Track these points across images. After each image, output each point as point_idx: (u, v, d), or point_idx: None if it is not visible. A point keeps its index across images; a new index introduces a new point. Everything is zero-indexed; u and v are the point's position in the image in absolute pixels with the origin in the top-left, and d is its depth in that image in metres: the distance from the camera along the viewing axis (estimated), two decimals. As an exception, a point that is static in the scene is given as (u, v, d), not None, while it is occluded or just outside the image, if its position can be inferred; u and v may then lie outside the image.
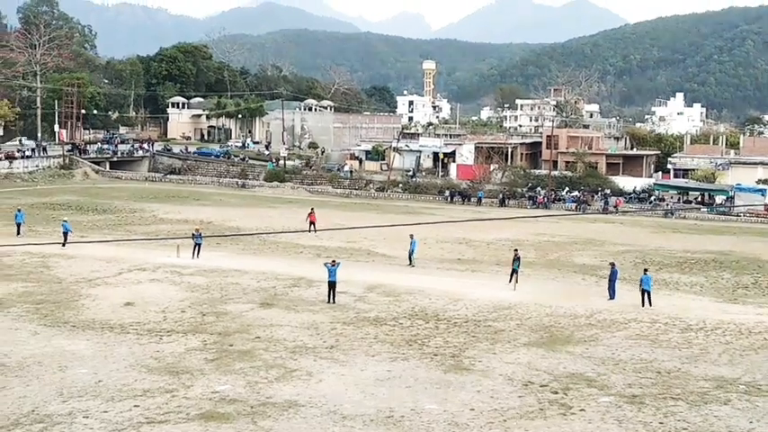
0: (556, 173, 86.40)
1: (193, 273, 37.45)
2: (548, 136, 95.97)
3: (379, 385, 22.37)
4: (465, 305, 32.51)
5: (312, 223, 51.93)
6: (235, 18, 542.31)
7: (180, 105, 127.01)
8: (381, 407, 20.56)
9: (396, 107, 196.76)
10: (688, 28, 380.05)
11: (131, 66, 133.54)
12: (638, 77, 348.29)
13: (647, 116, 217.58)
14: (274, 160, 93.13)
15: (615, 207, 75.07)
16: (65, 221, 45.18)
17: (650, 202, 77.62)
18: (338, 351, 25.51)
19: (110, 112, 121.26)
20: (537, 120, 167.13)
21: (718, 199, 77.59)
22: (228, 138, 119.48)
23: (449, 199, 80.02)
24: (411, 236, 41.73)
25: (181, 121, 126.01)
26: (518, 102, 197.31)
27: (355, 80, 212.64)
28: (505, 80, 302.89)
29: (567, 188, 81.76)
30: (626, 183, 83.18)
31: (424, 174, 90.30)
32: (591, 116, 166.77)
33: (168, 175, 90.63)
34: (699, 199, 79.15)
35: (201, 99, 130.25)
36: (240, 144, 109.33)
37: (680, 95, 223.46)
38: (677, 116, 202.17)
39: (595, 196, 79.22)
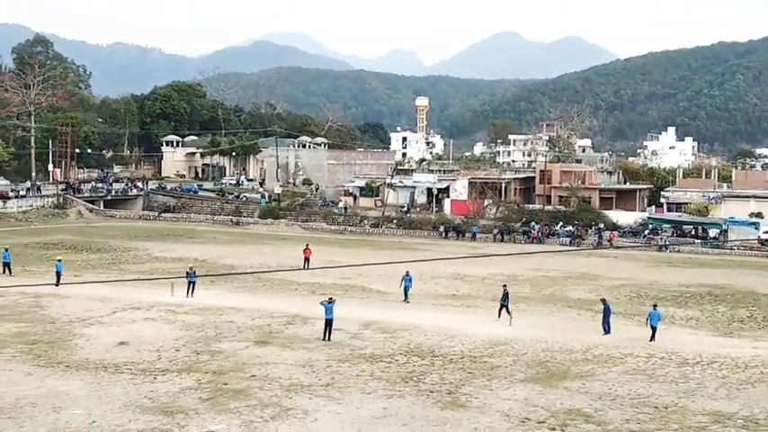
0: (549, 207, 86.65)
1: (188, 311, 37.30)
2: (541, 171, 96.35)
3: (376, 423, 22.22)
4: (461, 341, 32.39)
5: (307, 259, 52.02)
6: (228, 57, 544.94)
7: (174, 144, 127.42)
8: (378, 445, 20.39)
9: (389, 143, 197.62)
10: (678, 63, 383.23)
11: (125, 105, 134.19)
12: (629, 112, 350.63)
13: (639, 150, 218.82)
14: (266, 196, 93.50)
15: (609, 241, 75.14)
16: (59, 261, 45.03)
17: (644, 236, 77.74)
18: (334, 389, 25.35)
19: (104, 151, 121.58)
20: (530, 155, 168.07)
21: (712, 232, 77.75)
22: (223, 175, 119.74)
23: (443, 234, 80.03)
24: (407, 272, 41.72)
25: (175, 159, 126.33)
26: (511, 137, 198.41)
27: (349, 117, 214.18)
28: (498, 116, 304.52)
29: (560, 223, 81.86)
30: (619, 217, 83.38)
31: (418, 209, 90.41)
32: (583, 151, 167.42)
33: (163, 214, 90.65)
34: (692, 232, 79.28)
35: (195, 137, 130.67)
36: (234, 181, 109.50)
37: (671, 129, 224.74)
38: (669, 150, 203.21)
39: (589, 230, 79.32)
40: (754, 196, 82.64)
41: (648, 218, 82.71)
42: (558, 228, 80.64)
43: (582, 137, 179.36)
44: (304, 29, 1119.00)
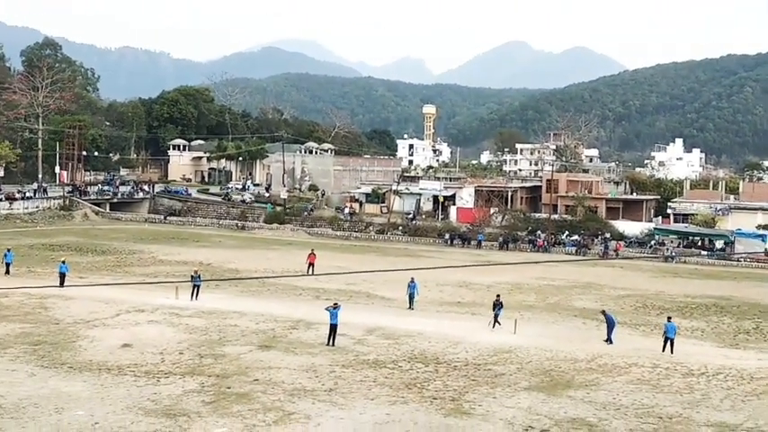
0: (556, 216, 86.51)
1: (192, 314, 37.27)
2: (547, 180, 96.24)
3: (378, 429, 22.16)
4: (465, 348, 32.30)
5: (311, 265, 52.00)
6: (236, 62, 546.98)
7: (181, 148, 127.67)
8: (380, 451, 20.31)
9: (396, 150, 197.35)
10: (686, 74, 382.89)
11: (133, 108, 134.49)
12: (637, 123, 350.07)
13: (646, 161, 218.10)
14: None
15: (615, 251, 74.98)
16: (62, 262, 45.04)
17: (650, 247, 77.53)
18: (337, 394, 25.28)
19: (111, 154, 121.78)
20: (537, 164, 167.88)
21: (719, 244, 77.56)
22: (229, 180, 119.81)
23: (449, 242, 79.93)
24: (412, 279, 41.65)
25: (182, 163, 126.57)
26: (518, 146, 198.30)
27: (356, 123, 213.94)
28: (505, 125, 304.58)
29: (566, 232, 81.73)
30: (626, 227, 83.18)
31: (423, 216, 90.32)
32: (590, 161, 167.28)
33: (168, 217, 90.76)
34: (699, 244, 79.07)
35: (202, 141, 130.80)
36: (240, 186, 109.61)
37: (679, 141, 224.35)
38: (676, 161, 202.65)
39: (595, 240, 79.17)
40: (762, 208, 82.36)
41: (655, 228, 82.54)
42: (564, 237, 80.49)
43: (589, 147, 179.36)
44: (313, 36, 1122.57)
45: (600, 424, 23.21)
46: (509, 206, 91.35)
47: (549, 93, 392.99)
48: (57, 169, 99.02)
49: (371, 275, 49.57)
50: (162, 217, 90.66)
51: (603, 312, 35.54)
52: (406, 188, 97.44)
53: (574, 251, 76.35)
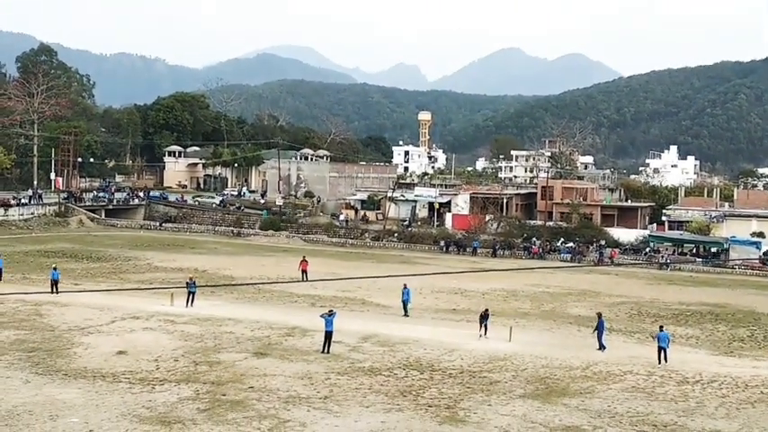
0: (551, 223, 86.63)
1: (187, 321, 37.23)
2: (542, 187, 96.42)
3: (374, 437, 22.13)
4: (460, 356, 32.32)
5: (304, 272, 51.97)
6: (232, 69, 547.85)
7: (176, 154, 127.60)
8: (375, 459, 20.30)
9: (391, 157, 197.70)
10: (681, 81, 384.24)
11: (128, 115, 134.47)
12: (631, 130, 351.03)
13: (641, 168, 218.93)
14: (269, 209, 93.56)
15: (610, 258, 75.09)
16: (54, 269, 44.99)
17: (645, 254, 77.64)
18: (332, 401, 25.28)
19: (106, 161, 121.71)
20: (532, 171, 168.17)
21: (713, 251, 77.64)
22: (225, 186, 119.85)
23: (444, 249, 79.94)
24: (405, 285, 41.64)
25: (177, 169, 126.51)
26: (513, 153, 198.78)
27: (351, 130, 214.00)
28: (500, 131, 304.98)
29: (561, 239, 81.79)
30: (621, 234, 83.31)
31: (419, 223, 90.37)
32: (585, 168, 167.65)
33: (164, 224, 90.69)
34: (693, 251, 79.21)
35: (198, 148, 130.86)
36: (236, 192, 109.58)
37: (674, 148, 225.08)
38: (671, 168, 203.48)
39: (590, 247, 79.24)
40: (756, 216, 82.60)
41: (650, 235, 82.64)
42: (559, 244, 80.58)
43: (584, 154, 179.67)
44: (308, 42, 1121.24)
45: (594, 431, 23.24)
46: (504, 213, 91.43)
47: (544, 99, 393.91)
48: (52, 176, 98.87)
49: (367, 282, 49.56)
50: (157, 224, 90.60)
51: (599, 315, 35.48)
52: (402, 195, 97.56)
53: (569, 258, 76.45)
